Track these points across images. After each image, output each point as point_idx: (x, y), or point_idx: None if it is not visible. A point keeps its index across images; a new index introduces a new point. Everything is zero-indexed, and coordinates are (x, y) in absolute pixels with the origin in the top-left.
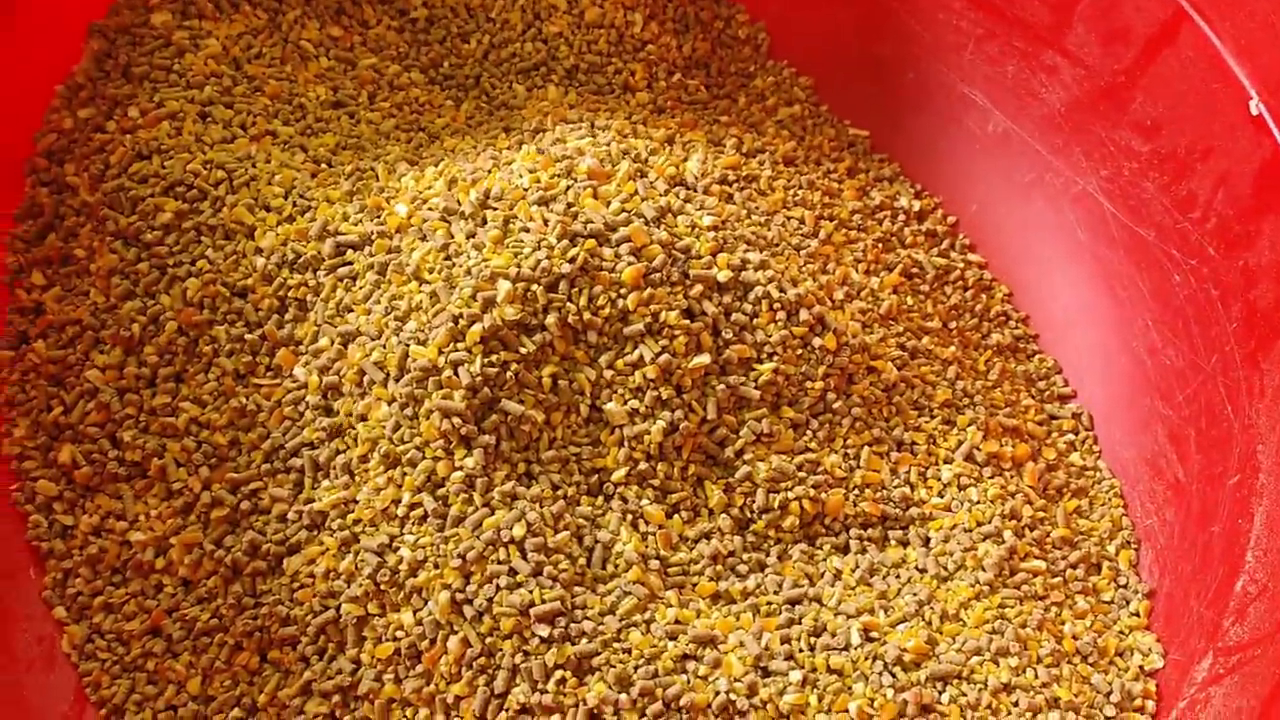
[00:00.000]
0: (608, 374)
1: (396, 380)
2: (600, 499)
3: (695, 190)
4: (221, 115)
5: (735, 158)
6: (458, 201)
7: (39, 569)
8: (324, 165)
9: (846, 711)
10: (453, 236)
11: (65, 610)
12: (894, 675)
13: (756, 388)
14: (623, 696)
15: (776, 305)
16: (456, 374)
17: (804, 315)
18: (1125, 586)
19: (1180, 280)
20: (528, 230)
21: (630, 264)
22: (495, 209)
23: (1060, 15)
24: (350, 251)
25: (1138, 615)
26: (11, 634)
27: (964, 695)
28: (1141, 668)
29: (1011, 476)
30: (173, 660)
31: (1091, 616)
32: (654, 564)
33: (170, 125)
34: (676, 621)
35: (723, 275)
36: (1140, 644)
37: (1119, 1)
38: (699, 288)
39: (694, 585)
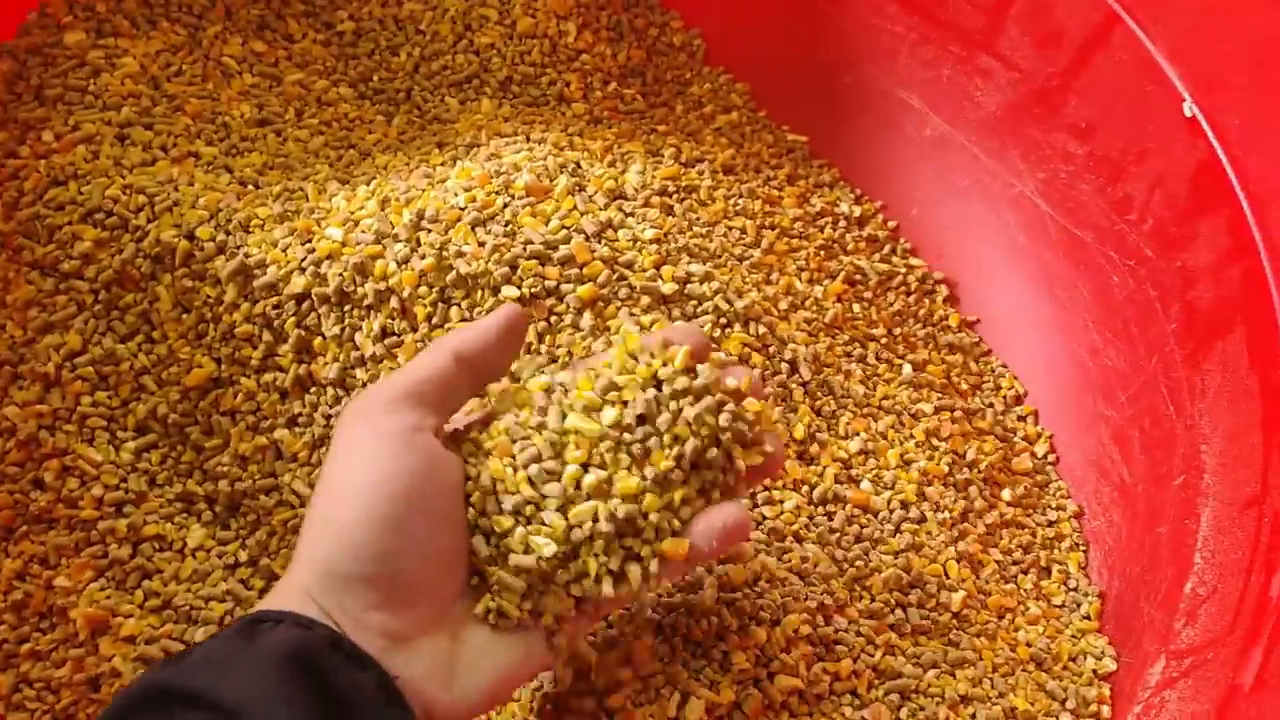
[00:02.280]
0: None
1: None
2: None
3: (635, 202)
4: (141, 137)
5: (674, 168)
6: (390, 224)
7: None
8: (251, 186)
9: None
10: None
11: None
12: (854, 694)
13: None
14: None
15: (725, 317)
16: None
17: (754, 328)
18: (1075, 589)
19: (1119, 281)
20: (462, 255)
21: (578, 284)
22: (430, 230)
23: (992, 18)
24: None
25: (1089, 618)
26: None
27: (922, 710)
28: (1095, 672)
29: (962, 479)
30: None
31: (1044, 622)
32: None
33: (86, 149)
34: None
35: (667, 288)
36: (1093, 647)
37: (1051, 4)
38: (646, 299)
39: None
